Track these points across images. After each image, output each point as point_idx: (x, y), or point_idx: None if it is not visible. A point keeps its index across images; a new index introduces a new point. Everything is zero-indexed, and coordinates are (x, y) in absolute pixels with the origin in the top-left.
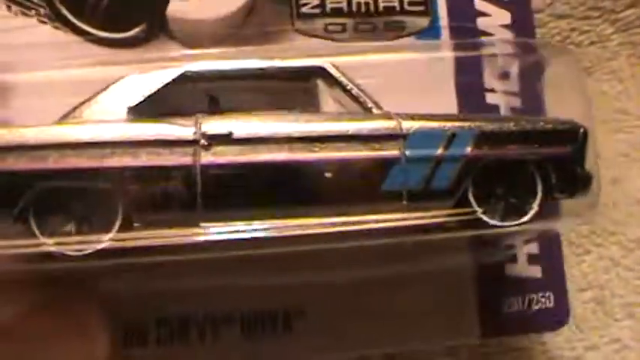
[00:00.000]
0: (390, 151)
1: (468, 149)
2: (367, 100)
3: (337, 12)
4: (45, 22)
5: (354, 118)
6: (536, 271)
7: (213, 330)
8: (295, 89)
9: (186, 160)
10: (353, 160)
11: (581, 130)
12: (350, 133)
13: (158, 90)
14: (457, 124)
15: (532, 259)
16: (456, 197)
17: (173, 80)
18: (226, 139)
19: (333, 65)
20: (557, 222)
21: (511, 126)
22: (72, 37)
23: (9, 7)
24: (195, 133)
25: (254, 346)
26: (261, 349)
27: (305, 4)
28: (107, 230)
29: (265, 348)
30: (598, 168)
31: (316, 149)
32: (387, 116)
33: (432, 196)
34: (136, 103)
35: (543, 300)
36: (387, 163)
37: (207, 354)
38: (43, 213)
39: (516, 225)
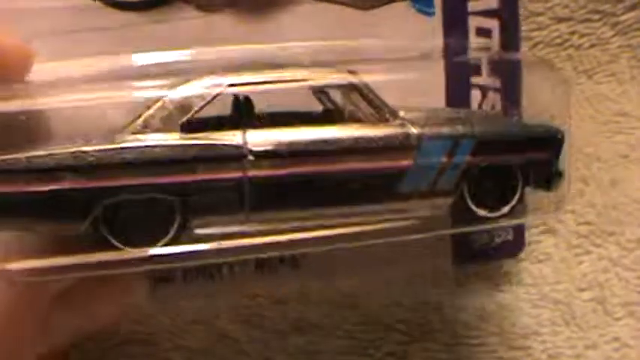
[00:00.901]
0: (405, 160)
1: (468, 157)
2: (385, 110)
3: None
4: None
5: (375, 129)
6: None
7: (230, 269)
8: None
9: (237, 173)
10: (376, 169)
11: (559, 136)
12: (374, 145)
13: (204, 105)
14: (459, 130)
15: None
16: (454, 195)
17: (216, 95)
18: (270, 153)
19: (360, 81)
20: (529, 215)
21: (502, 134)
22: (88, 1)
23: None
24: (243, 148)
25: (266, 278)
26: (272, 280)
27: None
28: (165, 233)
29: (276, 278)
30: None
31: (346, 160)
32: (402, 125)
33: (436, 195)
34: (187, 119)
35: (504, 234)
36: (402, 170)
37: (225, 286)
38: (111, 222)
39: (499, 216)
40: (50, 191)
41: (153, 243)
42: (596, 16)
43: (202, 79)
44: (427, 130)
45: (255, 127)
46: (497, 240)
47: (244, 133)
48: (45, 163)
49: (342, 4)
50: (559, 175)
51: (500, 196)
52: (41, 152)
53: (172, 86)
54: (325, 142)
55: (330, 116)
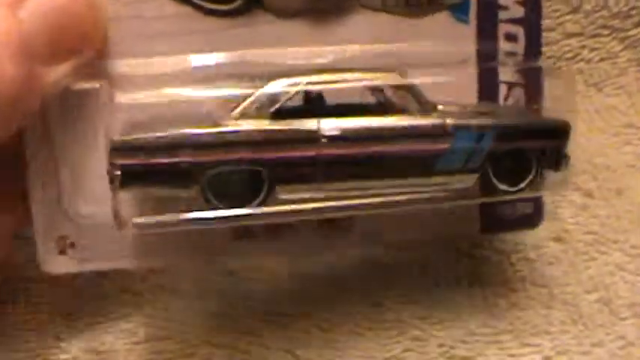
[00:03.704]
0: (442, 145)
1: (491, 144)
2: (427, 106)
3: None
4: None
5: (419, 120)
6: None
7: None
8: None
9: (312, 152)
10: (417, 151)
11: (567, 128)
12: (416, 132)
13: (288, 98)
14: (485, 122)
15: None
16: (481, 173)
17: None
18: (338, 137)
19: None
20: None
21: (519, 126)
22: (188, 9)
23: None
24: (317, 132)
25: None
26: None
27: None
28: (255, 198)
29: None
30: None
31: (396, 143)
32: (441, 117)
33: (466, 172)
34: (275, 109)
35: (525, 207)
36: (439, 153)
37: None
38: (216, 188)
39: (518, 190)
40: (170, 164)
41: (246, 204)
42: (606, 32)
43: (285, 78)
44: (460, 122)
45: (326, 116)
46: (519, 212)
47: (319, 121)
48: (168, 142)
49: (396, 13)
50: (566, 158)
51: (518, 174)
52: (163, 133)
53: (260, 82)
54: (381, 129)
55: (383, 109)
